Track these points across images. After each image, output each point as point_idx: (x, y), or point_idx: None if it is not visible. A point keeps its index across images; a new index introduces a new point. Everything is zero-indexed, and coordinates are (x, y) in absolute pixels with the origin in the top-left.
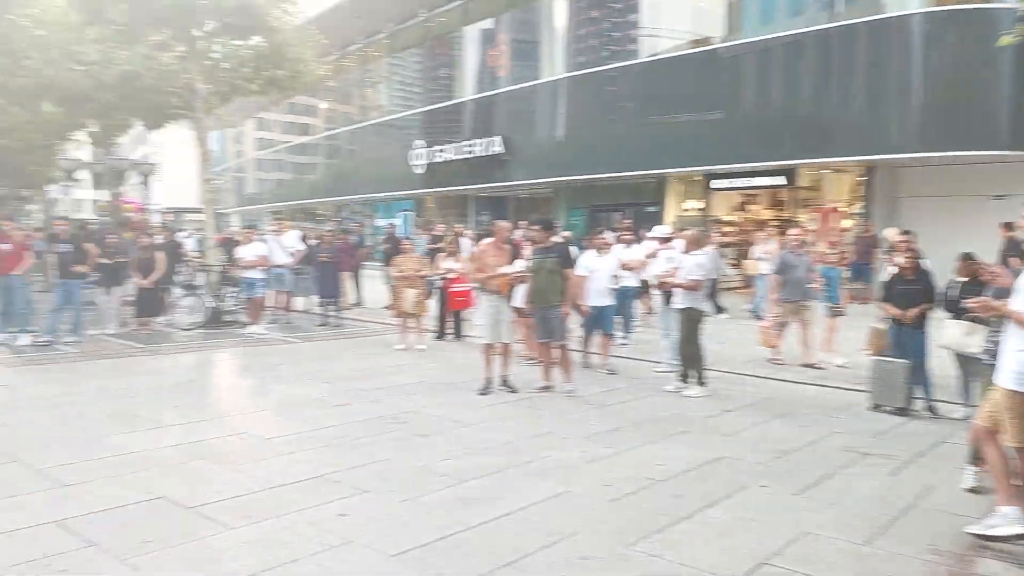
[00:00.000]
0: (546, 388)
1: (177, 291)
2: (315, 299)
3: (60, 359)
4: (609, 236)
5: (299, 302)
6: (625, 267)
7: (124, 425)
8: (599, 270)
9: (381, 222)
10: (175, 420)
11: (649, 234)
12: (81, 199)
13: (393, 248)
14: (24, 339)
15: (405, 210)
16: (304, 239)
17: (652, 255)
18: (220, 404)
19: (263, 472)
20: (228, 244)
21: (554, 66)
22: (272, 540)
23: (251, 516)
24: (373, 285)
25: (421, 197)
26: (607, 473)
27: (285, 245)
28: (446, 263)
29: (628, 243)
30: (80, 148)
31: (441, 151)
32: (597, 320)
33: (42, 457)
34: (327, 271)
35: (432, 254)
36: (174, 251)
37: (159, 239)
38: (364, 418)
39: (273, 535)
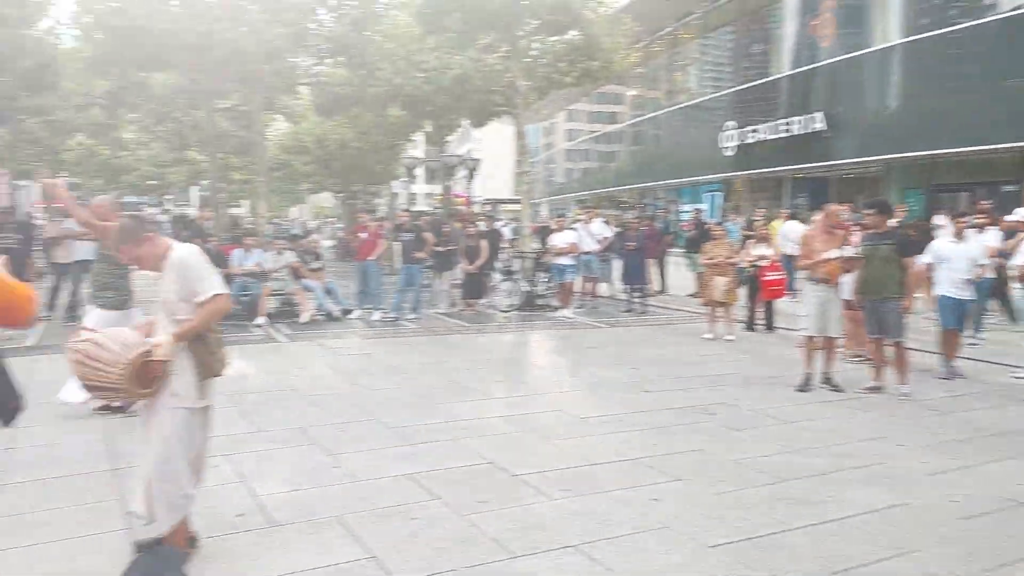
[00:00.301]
0: (876, 389)
1: (496, 276)
2: (620, 285)
3: (403, 333)
4: (942, 220)
5: (604, 288)
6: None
7: (457, 395)
8: (956, 258)
9: (686, 207)
10: (500, 394)
11: (1009, 218)
12: (415, 193)
13: (700, 234)
14: (376, 315)
15: (712, 191)
16: (608, 226)
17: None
18: (537, 382)
19: (580, 449)
20: (542, 232)
21: (887, 31)
22: (592, 514)
23: (571, 489)
24: (678, 272)
25: (730, 180)
26: (954, 488)
27: (593, 232)
28: (757, 249)
29: (982, 228)
30: (416, 147)
31: (754, 131)
32: (952, 315)
33: (394, 417)
34: (633, 258)
35: (744, 240)
36: (495, 239)
37: (482, 228)
38: (674, 406)
39: (593, 509)
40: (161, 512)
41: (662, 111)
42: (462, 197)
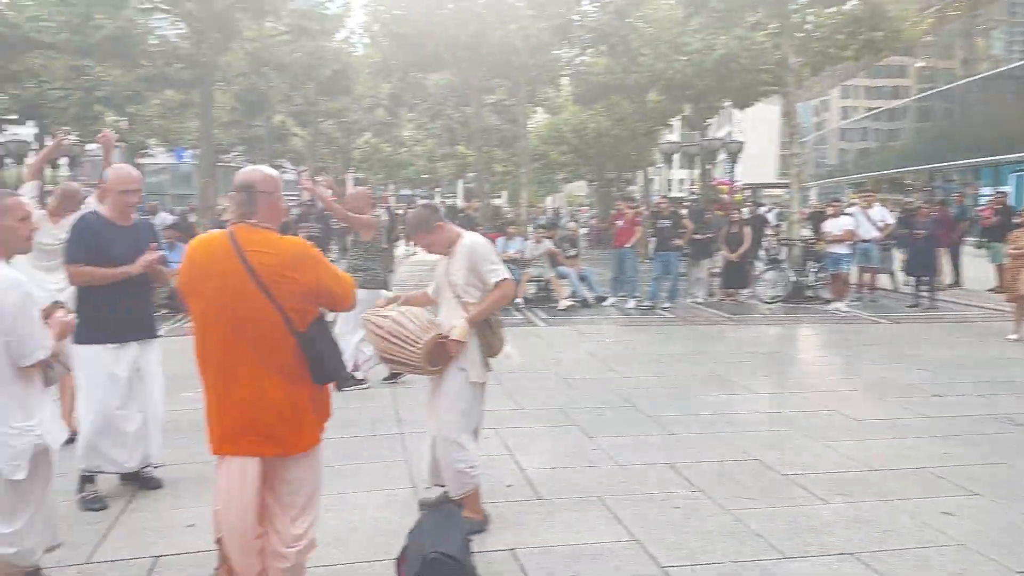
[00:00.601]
0: None
1: (760, 265)
2: (904, 277)
3: (658, 322)
4: None
5: (886, 280)
6: None
7: (717, 387)
8: None
9: (986, 191)
10: (764, 388)
11: None
12: (671, 179)
13: (1005, 220)
14: (631, 303)
15: (1020, 172)
16: (889, 211)
17: None
18: (806, 378)
19: (856, 452)
20: (815, 217)
21: None
22: (873, 522)
23: (848, 494)
24: (974, 264)
25: None
26: None
27: (873, 218)
28: None
29: None
30: (672, 132)
31: None
32: None
33: (652, 406)
34: (921, 247)
35: None
36: (759, 226)
37: (746, 214)
38: (971, 413)
39: (873, 517)
40: (452, 480)
41: (958, 82)
42: (725, 184)
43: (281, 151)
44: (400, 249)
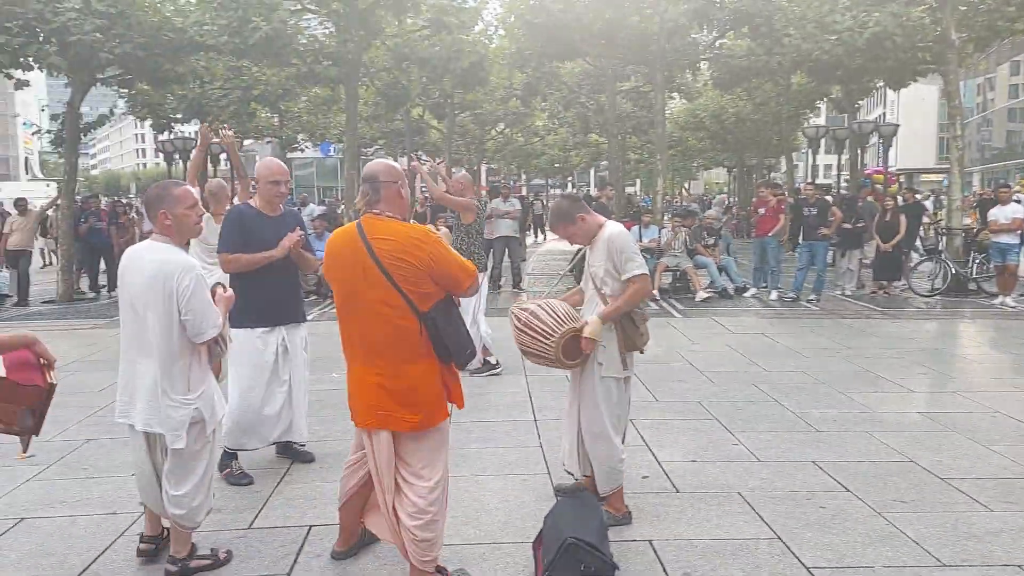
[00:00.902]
0: None
1: (915, 256)
2: None
3: (803, 315)
4: None
5: None
6: None
7: (867, 384)
8: None
9: None
10: (919, 387)
11: None
12: (817, 164)
13: None
14: (773, 294)
15: None
16: None
17: None
18: (967, 377)
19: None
20: (983, 204)
21: None
22: None
23: (1015, 502)
24: None
25: None
26: None
27: None
28: None
29: None
30: (819, 115)
31: None
32: None
33: (796, 402)
34: None
35: None
36: (916, 214)
37: (901, 202)
38: None
39: None
40: (600, 475)
41: None
42: (879, 173)
43: (419, 144)
44: (530, 238)
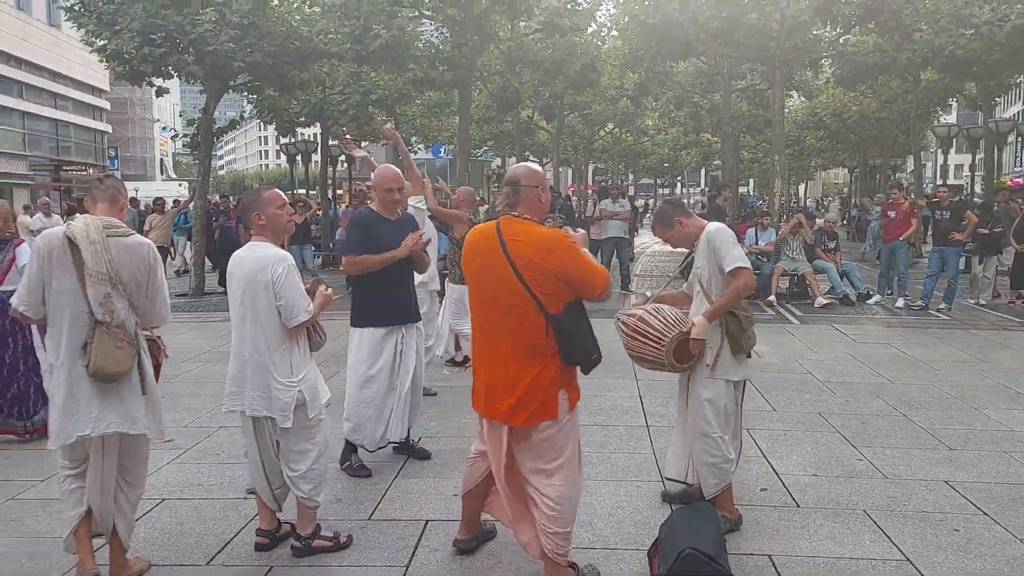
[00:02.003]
0: None
1: None
2: None
3: (932, 324)
4: None
5: None
6: None
7: (1004, 400)
8: None
9: None
10: None
11: None
12: (947, 165)
13: None
14: (900, 302)
15: None
16: None
17: None
18: None
19: None
20: None
21: None
22: None
23: None
24: None
25: None
26: None
27: None
28: None
29: None
30: (950, 113)
31: None
32: None
33: (925, 417)
34: None
35: None
36: None
37: None
38: None
39: None
40: (707, 477)
41: None
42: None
43: (527, 145)
44: (636, 240)
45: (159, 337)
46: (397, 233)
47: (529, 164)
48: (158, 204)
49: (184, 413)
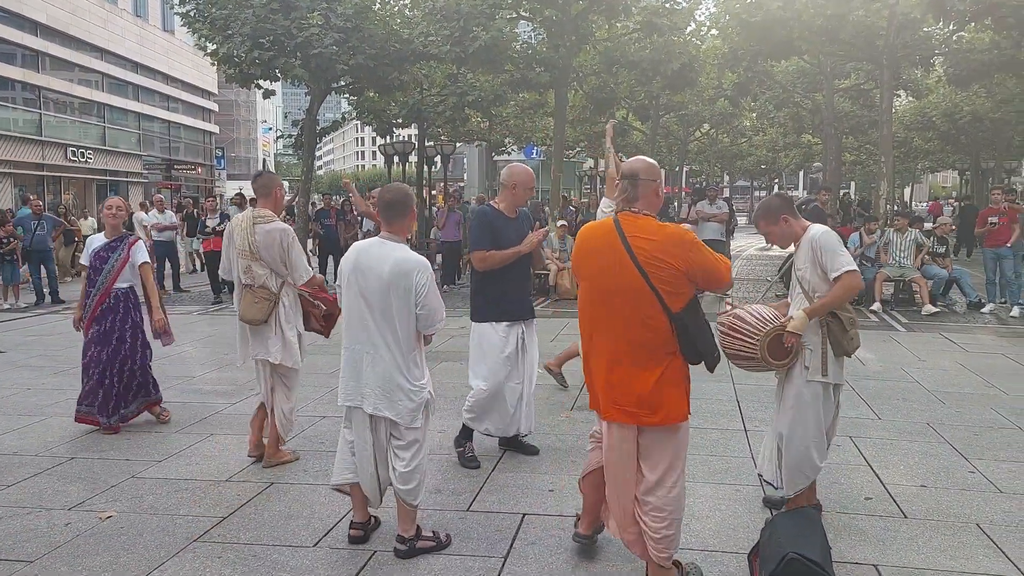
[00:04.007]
0: None
1: None
2: None
3: None
4: None
5: None
6: None
7: None
8: None
9: None
10: None
11: None
12: None
13: None
14: (1015, 311)
15: None
16: None
17: None
18: None
19: None
20: None
21: None
22: None
23: None
24: None
25: None
26: None
27: None
28: None
29: None
30: None
31: None
32: None
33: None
34: None
35: None
36: None
37: None
38: None
39: None
40: (788, 477)
41: None
42: None
43: (621, 145)
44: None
45: (312, 292)
46: (517, 231)
47: (646, 158)
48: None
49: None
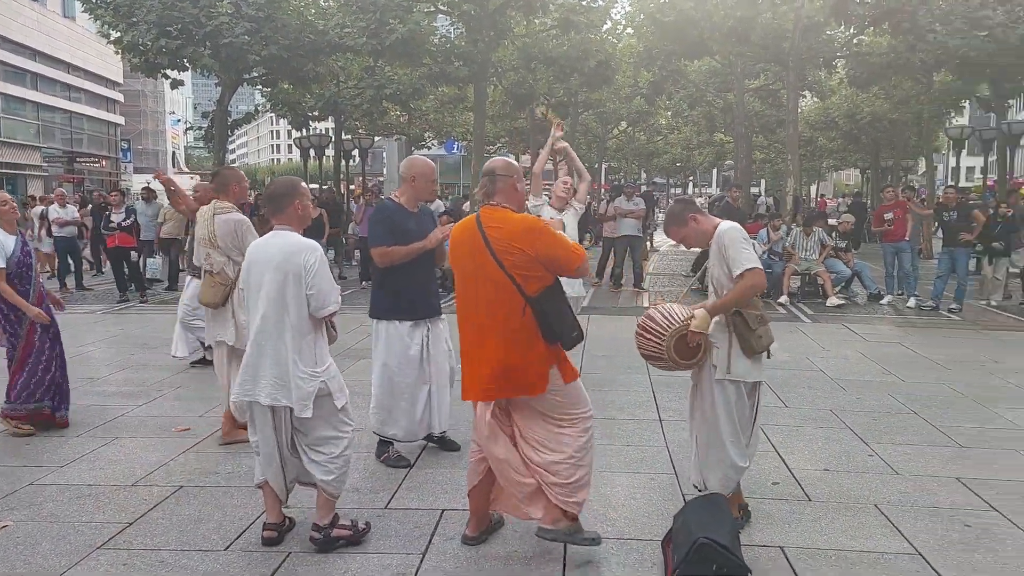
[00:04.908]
0: None
1: None
2: None
3: (942, 324)
4: None
5: None
6: None
7: (1017, 401)
8: None
9: None
10: None
11: None
12: (959, 167)
13: None
14: (911, 302)
15: None
16: None
17: None
18: None
19: None
20: None
21: None
22: None
23: None
24: None
25: None
26: None
27: None
28: None
29: None
30: (963, 115)
31: None
32: None
33: (936, 415)
34: None
35: None
36: None
37: None
38: None
39: None
40: (711, 478)
41: None
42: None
43: (542, 142)
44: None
45: None
46: (420, 225)
47: (503, 158)
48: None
49: (200, 403)
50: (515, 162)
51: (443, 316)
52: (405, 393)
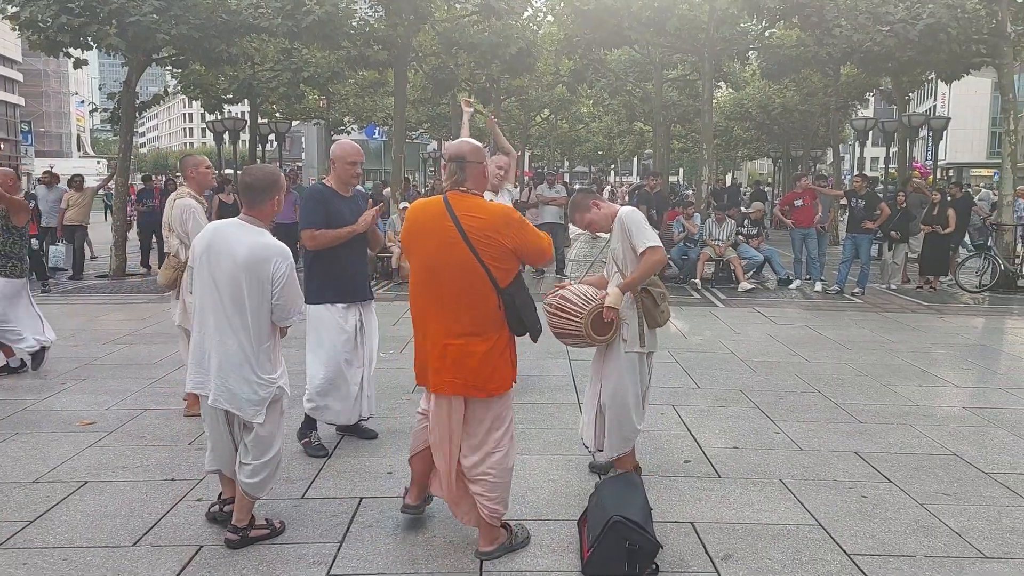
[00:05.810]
0: None
1: (963, 251)
2: None
3: (846, 308)
4: None
5: None
6: None
7: (910, 378)
8: None
9: None
10: (965, 382)
11: None
12: (864, 157)
13: None
14: (817, 286)
15: None
16: None
17: None
18: (1013, 373)
19: None
20: None
21: None
22: None
23: None
24: None
25: None
26: None
27: None
28: None
29: None
30: (868, 107)
31: None
32: None
33: (838, 393)
34: None
35: None
36: (965, 208)
37: (949, 197)
38: None
39: None
40: (612, 442)
41: None
42: (917, 168)
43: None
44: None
45: None
46: (352, 209)
47: (472, 141)
48: (76, 181)
49: (107, 395)
50: (482, 147)
51: (374, 300)
52: (342, 376)
